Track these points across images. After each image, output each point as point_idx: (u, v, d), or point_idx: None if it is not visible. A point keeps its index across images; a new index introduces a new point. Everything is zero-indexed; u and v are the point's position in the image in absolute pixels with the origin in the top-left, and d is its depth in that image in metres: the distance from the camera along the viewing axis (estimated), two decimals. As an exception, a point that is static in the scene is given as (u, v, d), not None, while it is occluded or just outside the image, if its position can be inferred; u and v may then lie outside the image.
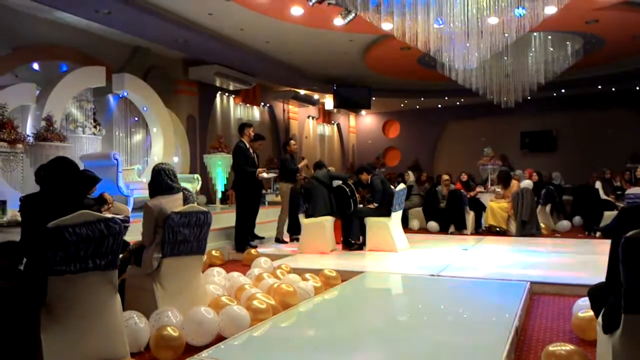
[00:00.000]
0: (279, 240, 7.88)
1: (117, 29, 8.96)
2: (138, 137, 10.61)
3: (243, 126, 7.51)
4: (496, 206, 9.12)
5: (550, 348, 2.79)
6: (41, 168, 4.05)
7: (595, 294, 2.63)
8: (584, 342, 3.25)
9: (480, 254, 6.89)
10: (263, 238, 7.82)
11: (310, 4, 7.74)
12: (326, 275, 5.00)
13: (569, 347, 2.77)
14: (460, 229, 9.28)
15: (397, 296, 5.18)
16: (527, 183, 9.27)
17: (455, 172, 11.29)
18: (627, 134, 15.12)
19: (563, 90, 15.23)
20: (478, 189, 10.45)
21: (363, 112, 19.09)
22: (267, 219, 8.54)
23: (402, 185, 7.60)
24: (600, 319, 2.47)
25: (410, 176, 11.46)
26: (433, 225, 9.66)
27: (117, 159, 7.96)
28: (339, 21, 8.68)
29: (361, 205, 7.37)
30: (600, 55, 11.65)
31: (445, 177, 10.13)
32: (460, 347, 3.15)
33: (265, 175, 7.46)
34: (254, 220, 7.58)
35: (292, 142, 8.33)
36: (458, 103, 17.17)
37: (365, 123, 20.09)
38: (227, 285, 4.59)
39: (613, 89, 15.42)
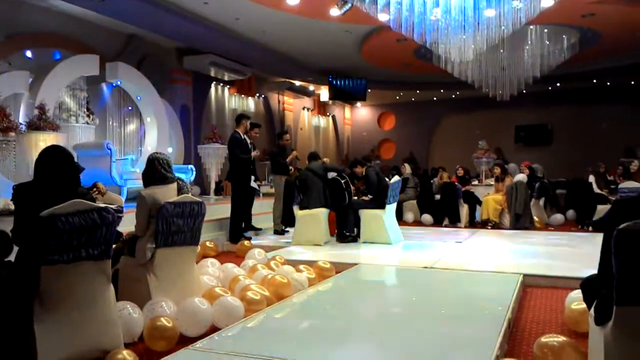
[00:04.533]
0: (277, 232, 7.86)
1: (111, 16, 8.87)
2: (132, 126, 10.54)
3: (241, 117, 7.44)
4: (491, 199, 9.15)
5: (543, 340, 2.81)
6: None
7: (588, 286, 2.64)
8: (576, 334, 3.27)
9: (474, 246, 6.92)
10: (260, 229, 7.81)
11: (307, -6, 7.69)
12: (320, 266, 5.01)
13: (561, 338, 2.79)
14: (454, 221, 9.31)
15: (390, 288, 5.19)
16: (521, 177, 9.30)
17: (450, 165, 11.30)
18: (621, 128, 15.20)
19: (558, 84, 15.27)
20: (472, 182, 10.47)
21: (358, 104, 19.08)
22: (262, 210, 8.53)
23: (396, 178, 7.60)
24: (592, 311, 2.49)
25: (407, 169, 11.46)
26: (427, 218, 9.68)
27: (110, 149, 7.91)
28: (335, 11, 8.63)
29: (356, 197, 7.38)
30: (596, 49, 11.66)
31: (445, 175, 10.09)
32: (453, 339, 3.17)
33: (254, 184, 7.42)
34: (250, 212, 7.57)
35: (286, 135, 8.17)
36: (454, 96, 17.18)
37: (360, 115, 20.08)
38: (221, 276, 4.58)
39: (608, 83, 15.47)
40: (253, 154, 7.28)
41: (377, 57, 12.68)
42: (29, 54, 8.61)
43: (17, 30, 8.24)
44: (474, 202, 9.63)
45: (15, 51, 8.34)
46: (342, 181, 7.12)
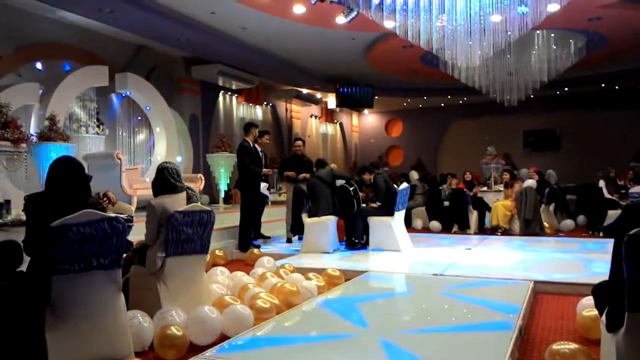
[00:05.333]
0: (289, 240, 7.85)
1: (120, 28, 8.98)
2: (141, 136, 10.62)
3: (249, 125, 7.46)
4: (501, 205, 9.11)
5: (554, 347, 2.79)
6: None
7: (600, 292, 2.62)
8: (588, 341, 3.24)
9: (484, 253, 6.88)
10: (269, 238, 7.81)
11: (312, 2, 7.74)
12: (329, 274, 5.01)
13: (573, 345, 2.77)
14: (464, 228, 9.26)
15: (400, 295, 5.17)
16: (530, 182, 9.25)
17: (458, 171, 11.26)
18: (631, 132, 15.08)
19: (566, 89, 15.19)
20: (479, 188, 10.43)
21: (366, 111, 19.08)
22: (271, 218, 8.54)
23: (405, 185, 7.59)
24: (604, 317, 2.47)
25: (415, 175, 11.44)
26: (435, 224, 9.64)
27: (120, 159, 7.97)
28: (341, 19, 8.67)
29: (364, 205, 7.37)
30: (604, 53, 11.61)
31: (454, 181, 10.06)
32: (464, 346, 3.15)
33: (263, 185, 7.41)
34: (260, 220, 7.57)
35: (297, 142, 8.16)
36: (461, 102, 17.14)
37: (367, 122, 20.08)
38: (230, 284, 4.59)
39: (617, 87, 15.38)
40: (264, 171, 7.28)
41: (384, 64, 12.70)
42: (39, 65, 8.71)
43: (27, 42, 8.35)
44: (483, 208, 9.59)
45: (25, 63, 8.45)
46: (351, 188, 7.12)
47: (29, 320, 2.67)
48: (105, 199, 4.43)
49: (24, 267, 3.05)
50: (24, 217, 3.45)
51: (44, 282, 2.69)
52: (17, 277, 3.01)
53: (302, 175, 7.73)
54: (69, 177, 2.94)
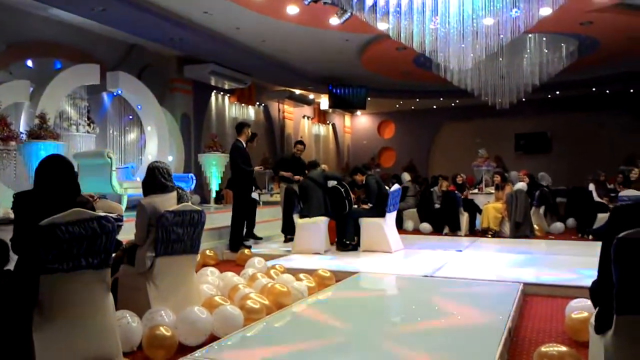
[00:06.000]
0: (287, 240, 7.82)
1: (112, 26, 8.93)
2: (132, 135, 10.57)
3: (242, 125, 7.43)
4: (492, 208, 9.14)
5: (543, 349, 2.80)
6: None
7: (596, 290, 2.62)
8: (576, 343, 3.26)
9: (474, 255, 6.90)
10: (261, 238, 7.79)
11: (306, 3, 7.74)
12: (320, 275, 5.00)
13: (562, 348, 2.78)
14: (455, 230, 9.29)
15: (390, 297, 5.18)
16: (521, 185, 9.30)
17: (450, 173, 11.30)
18: (621, 136, 15.22)
19: (558, 92, 15.31)
20: (469, 191, 10.48)
21: (358, 112, 19.11)
22: (263, 219, 8.52)
23: (396, 186, 7.61)
24: (592, 319, 2.48)
25: (406, 177, 11.47)
26: (426, 226, 9.66)
27: (110, 158, 7.91)
28: (334, 20, 8.68)
29: (356, 206, 7.37)
30: (595, 57, 11.71)
31: (445, 183, 10.09)
32: (454, 348, 3.15)
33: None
34: (253, 220, 7.55)
35: (298, 145, 8.44)
36: (453, 104, 17.21)
37: (360, 123, 20.11)
38: (220, 285, 4.57)
39: (607, 91, 15.51)
40: (256, 168, 7.32)
41: (377, 66, 12.72)
42: (30, 63, 8.64)
43: (18, 39, 8.29)
44: (474, 210, 9.62)
45: (16, 60, 8.38)
46: (342, 189, 7.13)
47: (16, 320, 2.64)
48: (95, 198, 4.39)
49: (11, 266, 3.02)
50: (12, 215, 3.42)
51: (31, 281, 2.66)
52: (4, 275, 2.99)
53: (296, 177, 7.79)
54: (58, 176, 2.92)
